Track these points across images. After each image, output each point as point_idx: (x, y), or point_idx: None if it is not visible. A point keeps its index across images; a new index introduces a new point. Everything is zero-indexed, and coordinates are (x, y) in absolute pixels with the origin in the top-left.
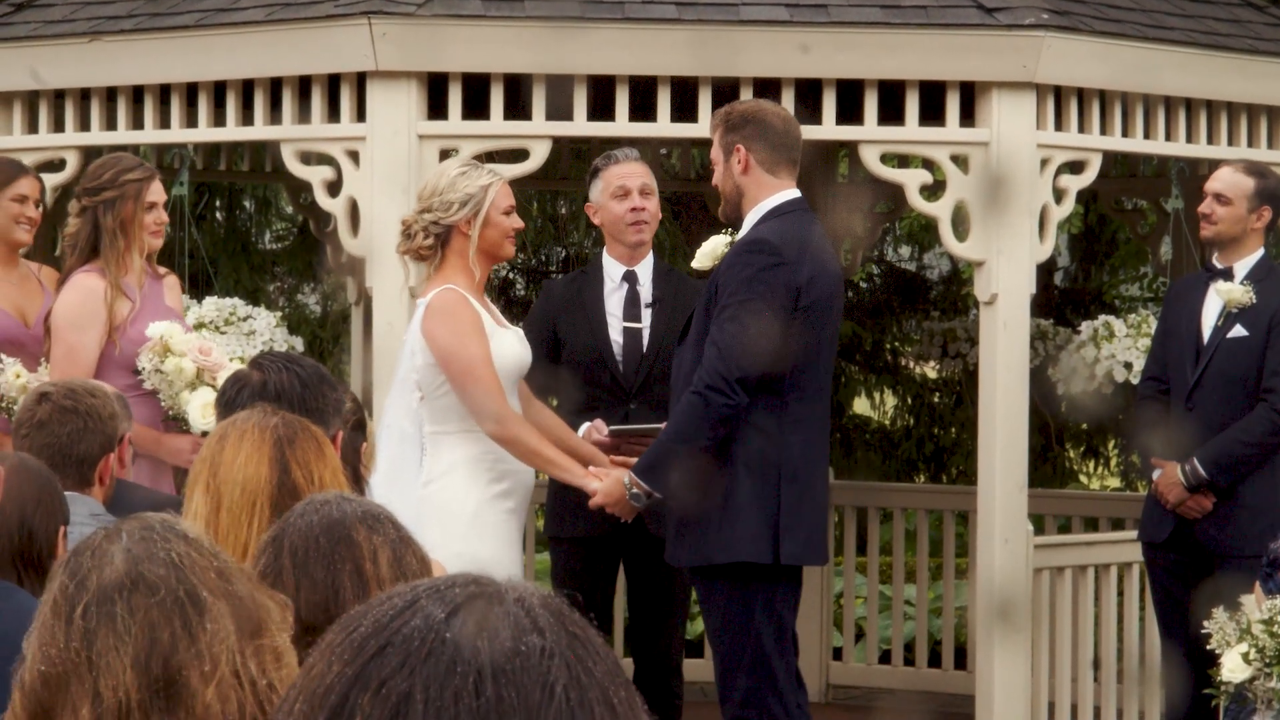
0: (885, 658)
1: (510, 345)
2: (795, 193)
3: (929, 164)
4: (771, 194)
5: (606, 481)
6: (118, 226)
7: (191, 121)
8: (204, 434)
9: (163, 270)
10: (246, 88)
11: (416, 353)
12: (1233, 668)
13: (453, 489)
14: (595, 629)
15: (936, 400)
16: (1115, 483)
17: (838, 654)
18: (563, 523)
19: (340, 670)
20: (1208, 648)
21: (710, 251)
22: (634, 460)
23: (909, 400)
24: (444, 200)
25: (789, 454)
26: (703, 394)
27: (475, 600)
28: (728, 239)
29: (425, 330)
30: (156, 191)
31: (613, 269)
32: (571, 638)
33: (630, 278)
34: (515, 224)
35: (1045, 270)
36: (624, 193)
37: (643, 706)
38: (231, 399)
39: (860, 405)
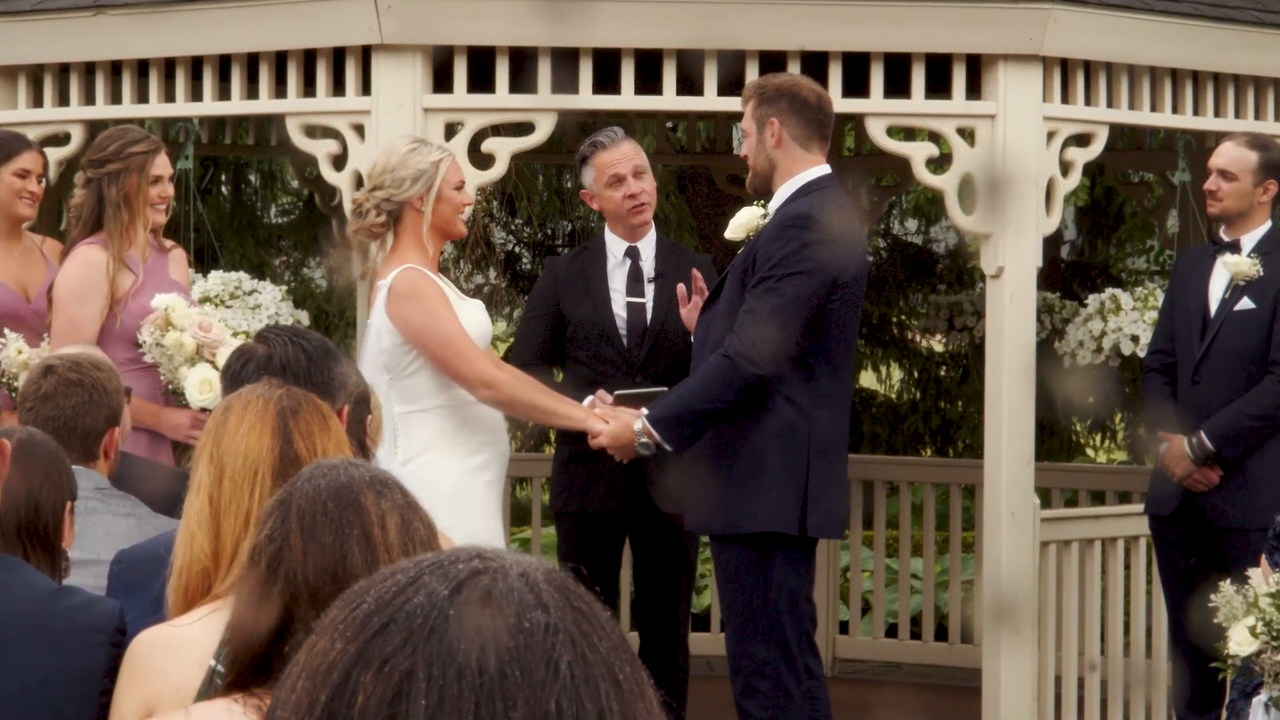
0: (892, 631)
1: (474, 316)
2: (826, 168)
3: (935, 137)
4: (804, 168)
5: (614, 425)
6: (122, 199)
7: (196, 95)
8: (202, 410)
9: (169, 243)
10: (251, 61)
11: (383, 334)
12: (1240, 641)
13: (433, 466)
14: (601, 604)
15: (943, 374)
16: (1122, 456)
17: (844, 628)
18: (569, 498)
19: (343, 648)
20: (1214, 621)
21: (745, 223)
22: (631, 411)
23: (915, 374)
24: (396, 177)
25: (818, 427)
26: (733, 359)
27: (479, 576)
28: (761, 211)
29: (392, 312)
30: (161, 164)
31: (615, 245)
32: (576, 613)
33: (633, 253)
34: (466, 199)
35: (1052, 244)
36: (618, 179)
37: (649, 681)
38: (237, 372)
39: (867, 379)
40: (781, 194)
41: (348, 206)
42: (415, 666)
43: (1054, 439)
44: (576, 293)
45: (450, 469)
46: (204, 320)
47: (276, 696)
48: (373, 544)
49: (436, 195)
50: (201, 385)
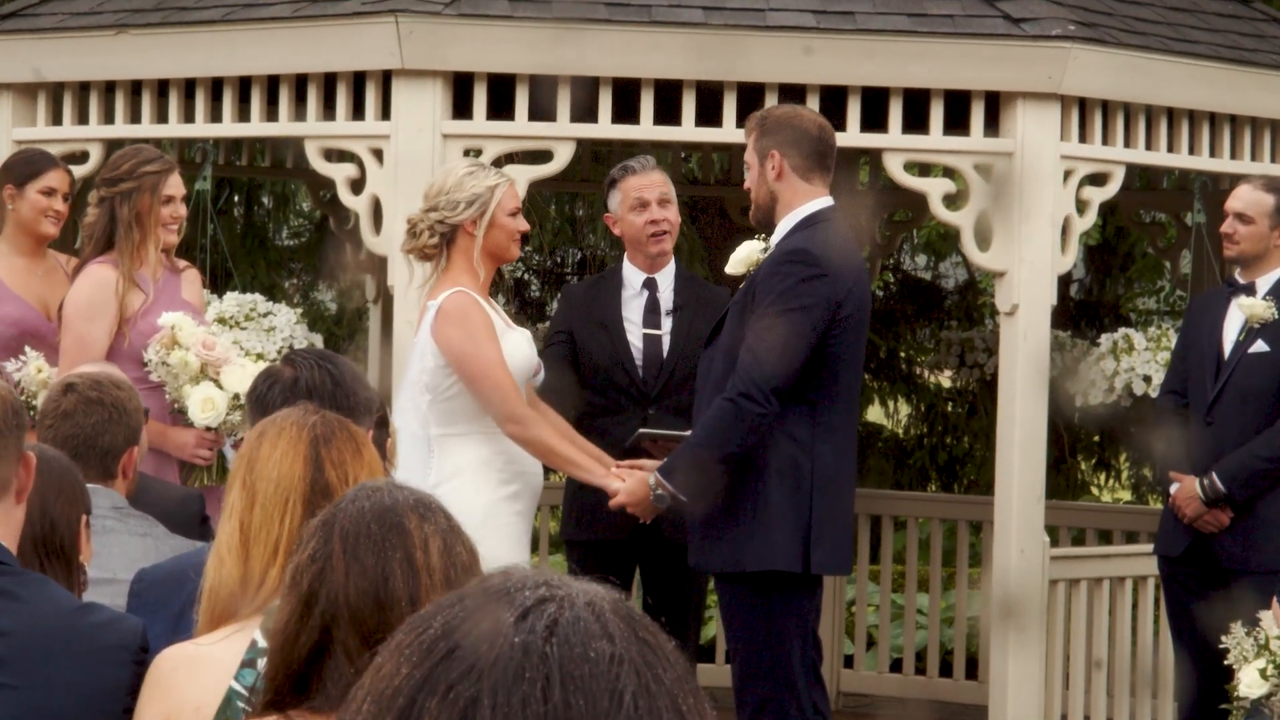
0: (896, 666)
1: (519, 346)
2: (828, 200)
3: (951, 173)
4: (805, 201)
5: (630, 481)
6: (133, 218)
7: (216, 116)
8: (207, 429)
9: (183, 264)
10: (271, 83)
11: (427, 355)
12: (1250, 683)
13: (463, 490)
14: (666, 634)
15: (950, 409)
16: (1126, 495)
17: (849, 661)
18: (579, 526)
19: (409, 673)
20: (1225, 663)
21: (745, 258)
22: (652, 462)
23: (922, 409)
24: (450, 199)
25: (821, 463)
26: (735, 401)
27: (545, 604)
28: (762, 245)
29: (438, 333)
30: (174, 185)
31: (633, 276)
32: (642, 644)
33: (650, 285)
34: (521, 226)
35: (1060, 282)
36: (642, 205)
37: (712, 713)
38: (263, 395)
39: (874, 413)
40: (783, 227)
41: (364, 230)
42: (480, 693)
43: (1060, 477)
44: (592, 321)
45: (480, 495)
46: (208, 339)
47: (341, 718)
48: (415, 567)
49: (490, 221)
50: (204, 403)
